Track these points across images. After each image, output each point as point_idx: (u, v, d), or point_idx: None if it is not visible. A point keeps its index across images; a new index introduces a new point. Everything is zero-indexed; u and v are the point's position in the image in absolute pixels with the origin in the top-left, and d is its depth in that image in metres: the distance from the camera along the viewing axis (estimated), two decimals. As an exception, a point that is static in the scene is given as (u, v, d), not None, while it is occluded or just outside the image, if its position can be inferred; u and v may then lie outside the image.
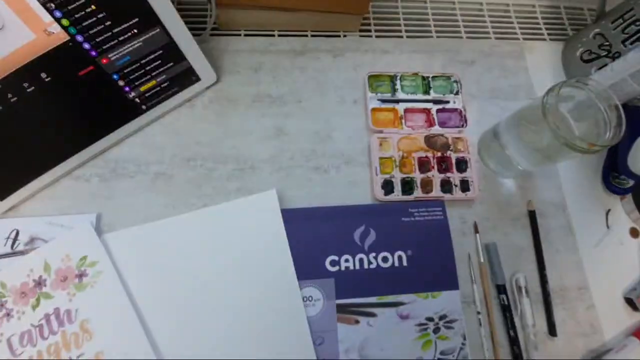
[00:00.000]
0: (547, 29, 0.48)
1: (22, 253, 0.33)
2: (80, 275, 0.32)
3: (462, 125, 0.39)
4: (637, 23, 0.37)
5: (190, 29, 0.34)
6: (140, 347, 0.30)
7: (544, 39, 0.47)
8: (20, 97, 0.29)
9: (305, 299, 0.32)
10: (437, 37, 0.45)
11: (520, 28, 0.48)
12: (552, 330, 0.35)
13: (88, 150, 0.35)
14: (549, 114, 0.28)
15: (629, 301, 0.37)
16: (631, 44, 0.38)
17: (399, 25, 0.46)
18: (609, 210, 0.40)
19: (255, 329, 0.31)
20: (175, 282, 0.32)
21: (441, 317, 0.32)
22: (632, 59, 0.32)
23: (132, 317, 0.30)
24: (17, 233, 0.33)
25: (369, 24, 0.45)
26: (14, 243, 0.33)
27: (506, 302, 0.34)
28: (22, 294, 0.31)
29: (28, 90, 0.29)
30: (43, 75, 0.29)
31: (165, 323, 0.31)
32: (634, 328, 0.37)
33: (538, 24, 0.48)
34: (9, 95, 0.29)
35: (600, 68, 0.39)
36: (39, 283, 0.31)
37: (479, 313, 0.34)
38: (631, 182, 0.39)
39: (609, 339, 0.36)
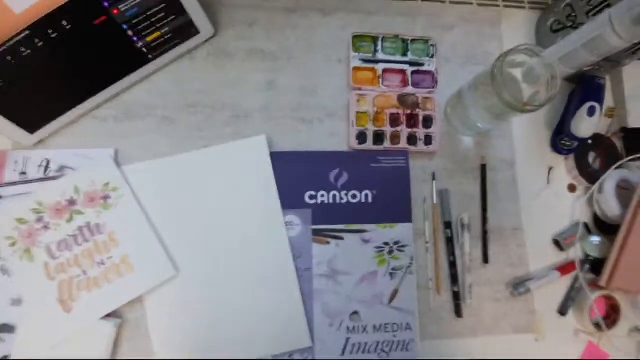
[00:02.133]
0: (528, -4, 0.51)
1: (53, 178, 0.39)
2: (105, 197, 0.39)
3: (433, 87, 0.44)
4: (601, -5, 0.40)
5: (190, -16, 0.37)
6: (156, 250, 0.38)
7: (524, 7, 0.50)
8: (45, 42, 0.34)
9: (287, 223, 0.40)
10: (422, 0, 0.48)
11: (503, -6, 0.50)
12: (485, 259, 0.43)
13: (104, 93, 0.41)
14: (495, 77, 0.33)
15: (557, 242, 0.45)
16: (593, 15, 0.41)
17: (388, -14, 0.48)
18: (551, 168, 0.47)
19: (247, 246, 0.39)
20: (183, 204, 0.39)
21: (395, 243, 0.40)
22: (586, 29, 0.36)
23: (148, 230, 0.38)
24: (48, 162, 0.40)
25: (359, -16, 0.48)
26: (46, 170, 0.40)
27: (450, 235, 0.42)
28: (57, 211, 0.39)
29: (52, 36, 0.34)
30: (64, 23, 0.34)
31: (176, 235, 0.39)
32: (557, 265, 0.45)
33: (520, -9, 0.51)
34: (36, 41, 0.33)
35: (564, 38, 0.43)
36: (71, 202, 0.39)
37: (427, 242, 0.42)
38: (575, 144, 0.45)
39: (533, 270, 0.45)
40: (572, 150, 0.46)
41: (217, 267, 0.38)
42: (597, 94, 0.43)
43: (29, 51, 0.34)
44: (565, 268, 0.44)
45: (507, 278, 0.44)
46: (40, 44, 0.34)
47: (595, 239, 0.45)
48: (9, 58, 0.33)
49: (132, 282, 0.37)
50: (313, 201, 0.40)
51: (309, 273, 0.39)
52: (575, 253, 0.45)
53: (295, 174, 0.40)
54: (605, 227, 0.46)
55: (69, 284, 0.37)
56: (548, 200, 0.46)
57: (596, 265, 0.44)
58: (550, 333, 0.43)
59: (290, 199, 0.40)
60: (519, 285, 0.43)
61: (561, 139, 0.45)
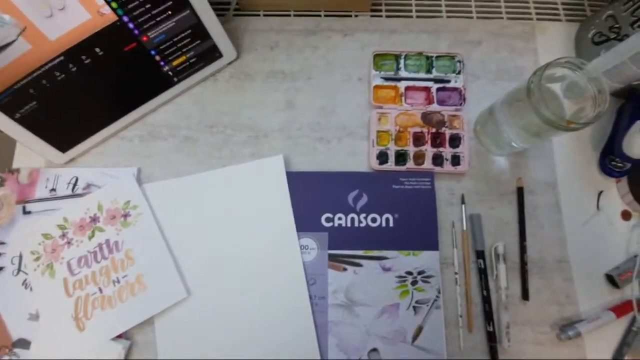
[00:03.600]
0: (564, 9, 0.47)
1: (80, 196, 0.41)
2: (125, 215, 0.39)
3: (460, 104, 0.42)
4: (650, 4, 0.36)
5: (214, 9, 0.38)
6: (169, 271, 0.37)
7: (560, 20, 0.47)
8: (79, 67, 0.36)
9: (302, 247, 0.38)
10: (447, 17, 0.46)
11: (535, 7, 0.47)
12: (525, 295, 0.38)
13: (130, 115, 0.42)
14: (532, 93, 0.30)
15: (610, 278, 0.39)
16: (639, 27, 0.37)
17: (410, 5, 0.47)
18: (601, 192, 0.41)
19: (260, 270, 0.37)
20: (198, 224, 0.39)
21: (420, 272, 0.37)
22: (633, 41, 0.32)
23: (163, 249, 0.38)
24: (77, 180, 0.42)
25: (380, 4, 0.47)
26: (74, 187, 0.41)
27: (483, 266, 0.38)
28: (81, 227, 0.40)
29: (85, 62, 0.36)
30: (97, 49, 0.36)
31: (189, 256, 0.38)
32: (611, 304, 0.39)
33: (555, 3, 0.48)
34: (70, 66, 0.36)
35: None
36: (94, 219, 0.40)
37: (456, 273, 0.38)
38: (627, 165, 0.40)
39: (583, 310, 0.39)
40: (625, 173, 0.40)
41: (229, 291, 0.37)
42: (652, 110, 0.39)
43: (63, 75, 0.36)
44: (620, 308, 0.38)
45: (551, 318, 0.38)
46: (74, 69, 0.36)
47: (657, 276, 0.39)
48: (44, 82, 0.35)
49: (144, 302, 0.36)
50: (330, 224, 0.38)
51: (323, 302, 0.36)
52: (631, 291, 0.38)
53: (312, 195, 0.39)
54: (670, 262, 0.39)
55: (84, 302, 0.37)
56: (598, 229, 0.41)
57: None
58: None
59: (306, 222, 0.38)
60: (568, 328, 0.37)
61: (611, 159, 0.40)
